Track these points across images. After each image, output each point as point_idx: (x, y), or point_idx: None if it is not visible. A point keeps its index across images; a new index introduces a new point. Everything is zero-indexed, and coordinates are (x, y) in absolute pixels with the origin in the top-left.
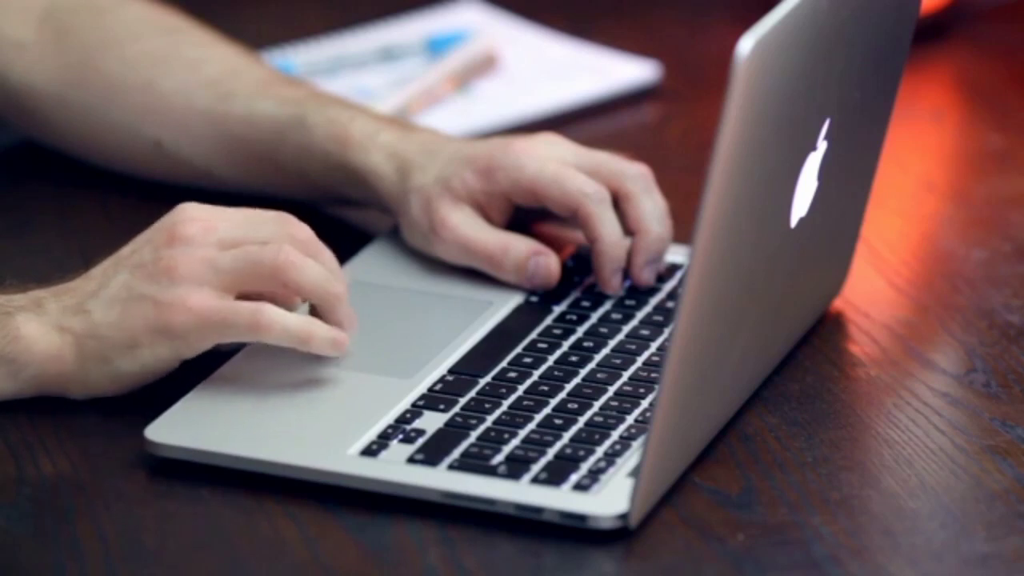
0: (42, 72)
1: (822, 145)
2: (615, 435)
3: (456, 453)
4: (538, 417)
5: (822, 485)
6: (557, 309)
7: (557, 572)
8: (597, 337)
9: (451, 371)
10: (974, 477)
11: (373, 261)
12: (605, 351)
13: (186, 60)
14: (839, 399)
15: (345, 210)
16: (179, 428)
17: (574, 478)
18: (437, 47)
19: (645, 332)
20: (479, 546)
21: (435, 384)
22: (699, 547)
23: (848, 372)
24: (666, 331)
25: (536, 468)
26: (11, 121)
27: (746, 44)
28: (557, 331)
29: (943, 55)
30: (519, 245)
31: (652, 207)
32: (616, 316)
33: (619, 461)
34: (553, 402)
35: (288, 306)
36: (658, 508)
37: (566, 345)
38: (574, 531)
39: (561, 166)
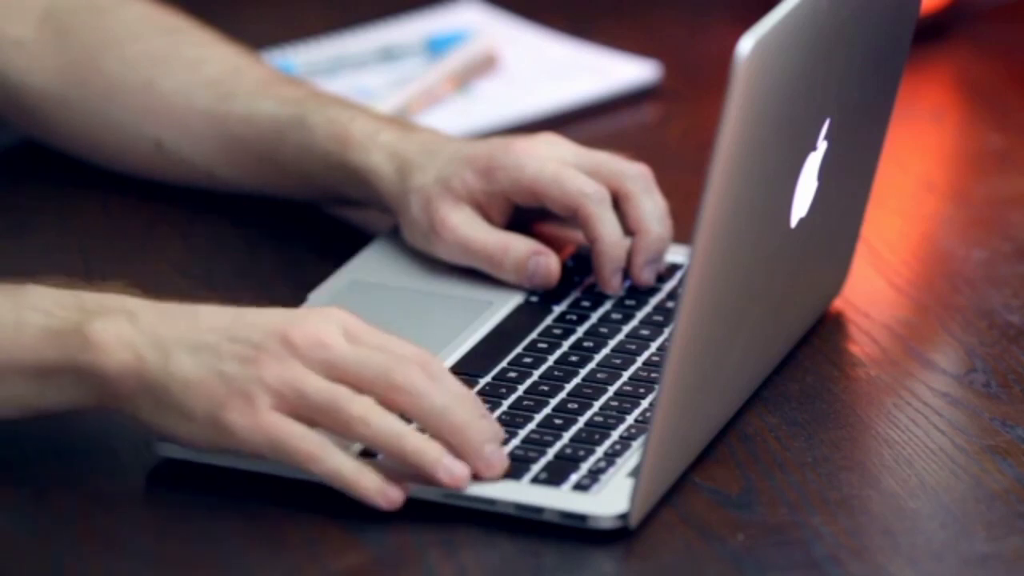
0: (42, 71)
1: (822, 145)
2: (615, 435)
3: None
4: (538, 417)
5: (822, 485)
6: (557, 309)
7: (557, 572)
8: (597, 337)
9: (451, 371)
10: (974, 477)
11: (373, 261)
12: (605, 351)
13: (186, 60)
14: (839, 399)
15: (345, 210)
16: None
17: (574, 478)
18: (437, 47)
19: (645, 332)
20: (479, 546)
21: None
22: (699, 547)
23: (848, 372)
24: (666, 331)
25: (536, 468)
26: (11, 120)
27: (746, 44)
28: (557, 331)
29: (943, 55)
30: (519, 245)
31: (652, 207)
32: (616, 316)
33: (619, 461)
34: (553, 402)
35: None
36: (658, 508)
37: (566, 345)
38: (574, 531)
39: (561, 166)
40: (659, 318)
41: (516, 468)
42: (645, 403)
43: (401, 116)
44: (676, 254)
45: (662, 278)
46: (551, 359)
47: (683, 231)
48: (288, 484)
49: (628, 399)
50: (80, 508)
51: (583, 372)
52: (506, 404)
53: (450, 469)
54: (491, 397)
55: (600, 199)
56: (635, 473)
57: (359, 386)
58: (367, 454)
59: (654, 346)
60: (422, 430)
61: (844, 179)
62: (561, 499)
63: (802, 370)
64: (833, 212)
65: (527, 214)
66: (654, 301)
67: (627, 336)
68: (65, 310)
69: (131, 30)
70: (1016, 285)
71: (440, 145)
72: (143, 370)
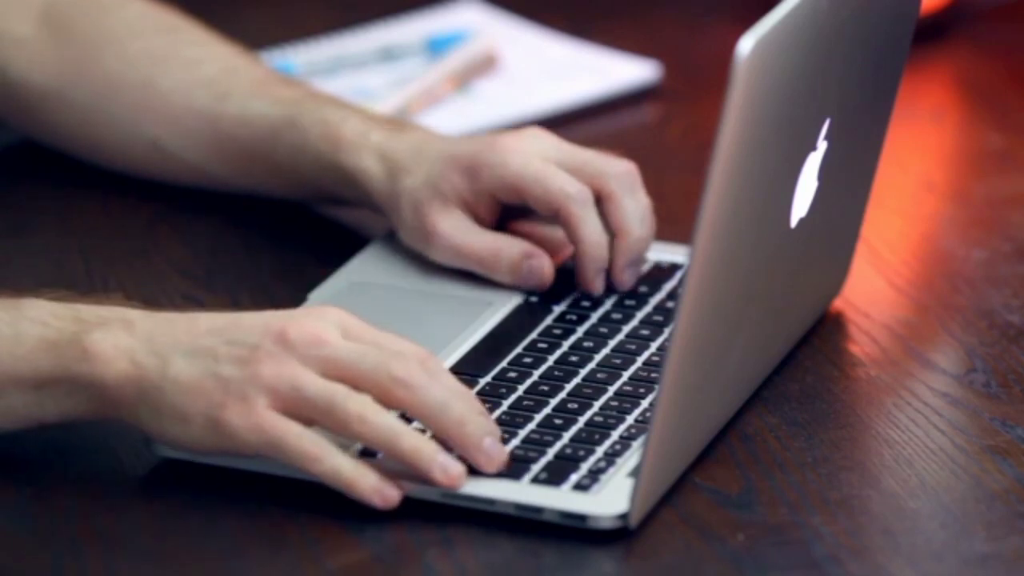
0: (42, 69)
1: (822, 145)
2: (615, 435)
3: (456, 453)
4: (538, 417)
5: (822, 485)
6: (557, 309)
7: (557, 572)
8: (597, 337)
9: (451, 371)
10: (974, 477)
11: (373, 262)
12: (605, 351)
13: (184, 59)
14: (839, 399)
15: (339, 210)
16: None
17: (574, 478)
18: (437, 47)
19: (645, 332)
20: (479, 546)
21: None
22: (699, 547)
23: (848, 372)
24: (666, 331)
25: (536, 468)
26: (10, 119)
27: (746, 44)
28: (557, 331)
29: (943, 55)
30: (511, 247)
31: (634, 207)
32: (616, 316)
33: (619, 461)
34: (553, 402)
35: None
36: (658, 508)
37: (566, 345)
38: (574, 531)
39: (544, 164)
40: (659, 318)
41: (516, 468)
42: (645, 403)
43: (401, 116)
44: (676, 254)
45: (662, 278)
46: (551, 359)
47: (683, 231)
48: (288, 484)
49: (628, 399)
50: (80, 508)
51: (583, 372)
52: (506, 404)
53: (445, 467)
54: (491, 397)
55: (582, 200)
56: (635, 473)
57: (357, 383)
58: (367, 454)
59: (654, 346)
60: (421, 430)
61: (844, 179)
62: (561, 499)
63: (802, 370)
64: (833, 212)
65: (519, 211)
66: (654, 301)
67: (627, 336)
68: (62, 321)
69: (130, 28)
70: (1016, 285)
71: (429, 145)
72: (141, 378)
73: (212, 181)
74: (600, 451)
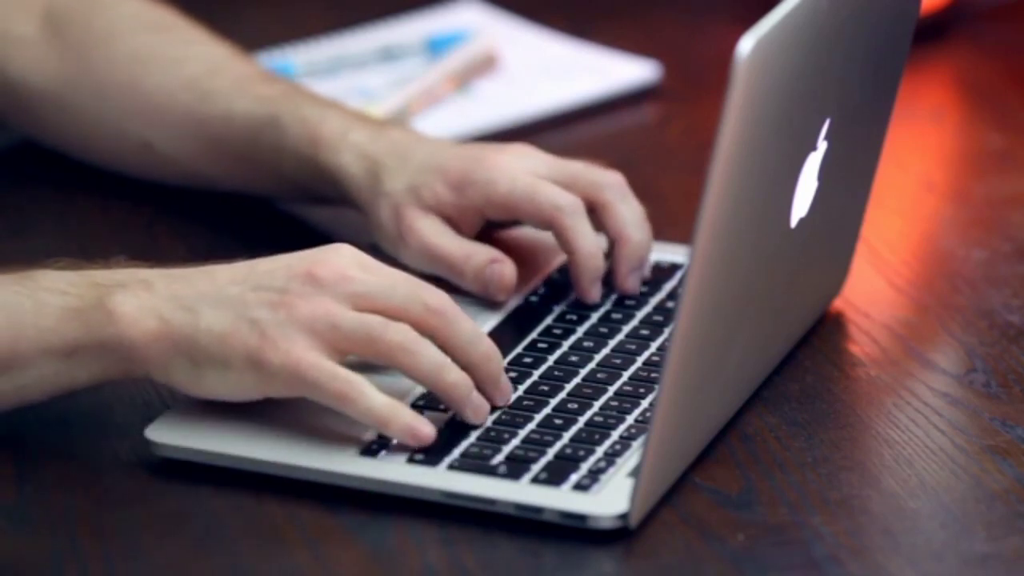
0: (41, 69)
1: (822, 145)
2: (615, 435)
3: (456, 453)
4: (538, 417)
5: (822, 485)
6: (557, 309)
7: (557, 572)
8: (597, 337)
9: None
10: (974, 477)
11: None
12: (605, 351)
13: (169, 59)
14: (839, 399)
15: (322, 210)
16: (179, 428)
17: (574, 478)
18: (437, 47)
19: (645, 332)
20: (479, 546)
21: None
22: (699, 547)
23: (848, 372)
24: (666, 331)
25: (536, 468)
26: (10, 120)
27: (746, 44)
28: (557, 331)
29: (943, 55)
30: (480, 253)
31: (630, 214)
32: (616, 316)
33: (619, 461)
34: (553, 402)
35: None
36: (658, 508)
37: (566, 345)
38: (574, 531)
39: (534, 179)
40: (659, 318)
41: (516, 468)
42: (645, 403)
43: (401, 116)
44: (676, 254)
45: (661, 278)
46: (551, 359)
47: (683, 231)
48: (288, 484)
49: (628, 399)
50: (80, 508)
51: (583, 372)
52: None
53: (478, 407)
54: None
55: (574, 211)
56: (635, 473)
57: (391, 314)
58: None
59: (654, 346)
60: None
61: (844, 179)
62: (561, 499)
63: (802, 370)
64: (833, 212)
65: (501, 224)
66: (654, 301)
67: (627, 336)
68: (79, 288)
69: (119, 28)
70: (1016, 285)
71: (411, 148)
72: (172, 332)
73: (204, 181)
74: (600, 451)
